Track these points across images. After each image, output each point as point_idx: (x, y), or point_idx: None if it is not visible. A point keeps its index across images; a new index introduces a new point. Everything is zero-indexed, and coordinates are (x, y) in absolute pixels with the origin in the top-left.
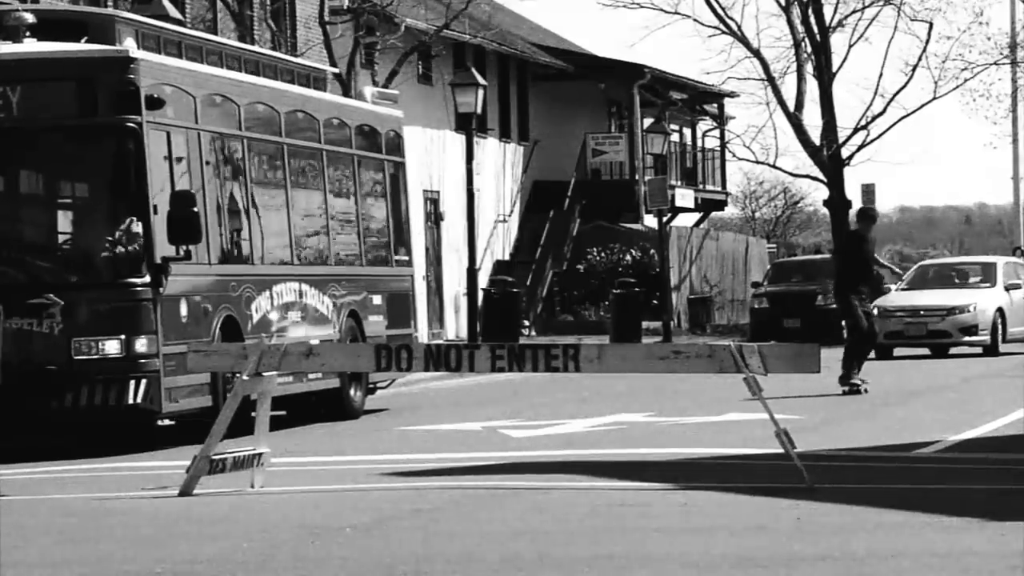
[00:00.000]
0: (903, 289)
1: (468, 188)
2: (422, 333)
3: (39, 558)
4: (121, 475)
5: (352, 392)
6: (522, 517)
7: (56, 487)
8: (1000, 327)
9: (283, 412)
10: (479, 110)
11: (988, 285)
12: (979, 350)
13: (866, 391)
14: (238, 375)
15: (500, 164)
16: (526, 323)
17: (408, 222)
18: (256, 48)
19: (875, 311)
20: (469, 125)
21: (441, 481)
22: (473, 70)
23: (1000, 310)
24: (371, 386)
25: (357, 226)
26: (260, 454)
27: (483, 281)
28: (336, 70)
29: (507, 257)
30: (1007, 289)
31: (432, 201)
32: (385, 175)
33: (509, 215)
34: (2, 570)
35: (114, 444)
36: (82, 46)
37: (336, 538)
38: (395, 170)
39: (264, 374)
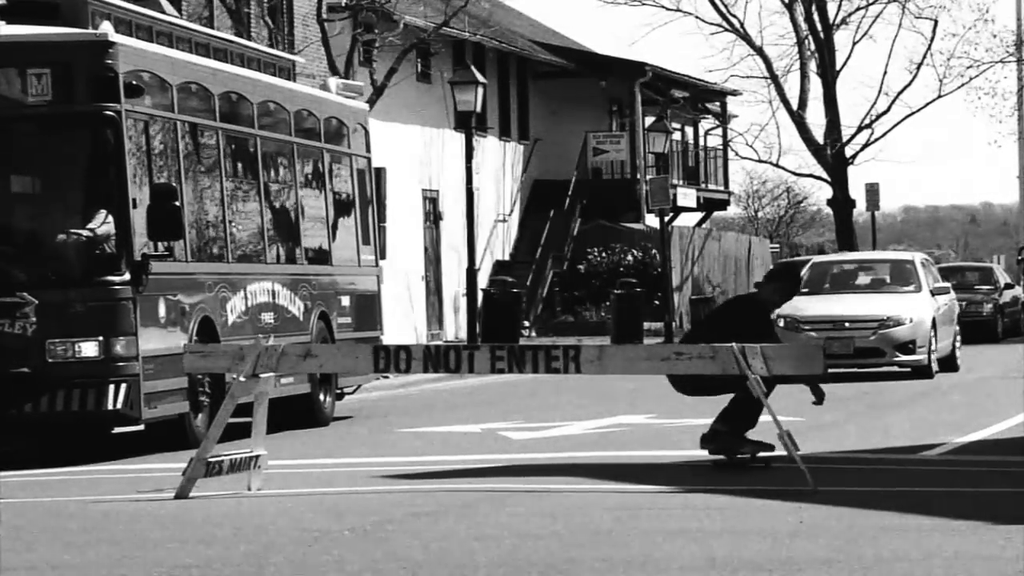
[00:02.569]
0: (804, 293)
1: (467, 187)
2: (420, 334)
3: (38, 561)
4: (117, 478)
5: (322, 397)
6: (523, 520)
7: (53, 490)
8: (934, 343)
9: (249, 419)
10: (479, 108)
11: (912, 289)
12: (908, 370)
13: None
14: (233, 377)
15: (500, 163)
16: (526, 324)
17: (375, 221)
18: (224, 35)
19: (780, 322)
20: (468, 123)
21: (441, 484)
22: (472, 68)
23: (934, 321)
24: (338, 391)
25: (326, 224)
26: (257, 456)
27: (483, 281)
28: (300, 59)
29: (507, 257)
30: (933, 294)
31: (431, 200)
32: (352, 171)
33: (509, 215)
34: (2, 573)
35: (76, 450)
36: (57, 29)
37: (335, 541)
38: (362, 166)
39: (261, 375)
